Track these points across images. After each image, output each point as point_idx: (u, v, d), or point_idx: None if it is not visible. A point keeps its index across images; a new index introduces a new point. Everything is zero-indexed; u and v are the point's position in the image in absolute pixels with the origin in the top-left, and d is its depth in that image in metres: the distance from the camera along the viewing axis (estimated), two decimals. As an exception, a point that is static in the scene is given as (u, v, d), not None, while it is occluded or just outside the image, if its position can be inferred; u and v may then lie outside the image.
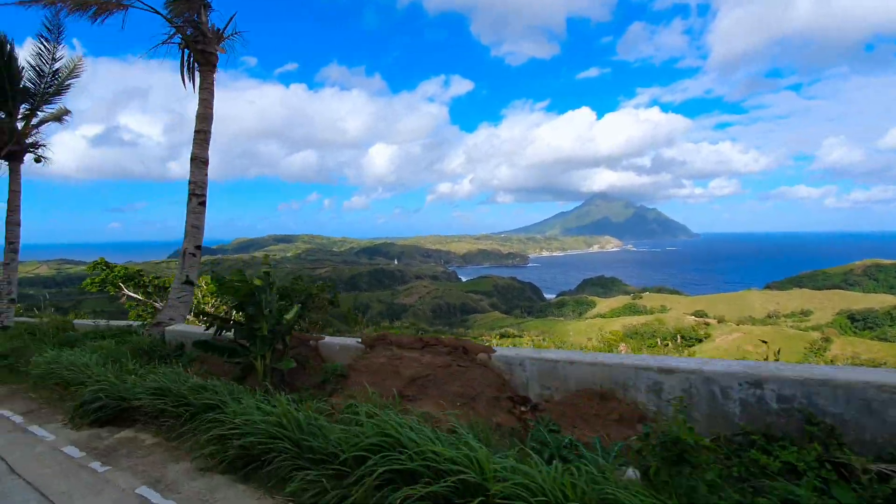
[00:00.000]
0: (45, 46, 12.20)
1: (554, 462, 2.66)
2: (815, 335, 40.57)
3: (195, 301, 9.80)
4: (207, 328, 5.57)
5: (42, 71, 12.58)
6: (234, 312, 7.33)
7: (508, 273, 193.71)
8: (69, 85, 13.34)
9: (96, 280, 12.10)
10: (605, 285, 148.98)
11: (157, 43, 8.85)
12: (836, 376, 2.94)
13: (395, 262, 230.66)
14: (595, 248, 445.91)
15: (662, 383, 3.50)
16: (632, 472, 2.63)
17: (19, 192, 12.84)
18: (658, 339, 25.60)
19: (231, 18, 9.25)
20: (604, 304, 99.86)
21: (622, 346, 15.19)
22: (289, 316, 5.29)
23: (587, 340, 21.12)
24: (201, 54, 8.91)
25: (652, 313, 79.39)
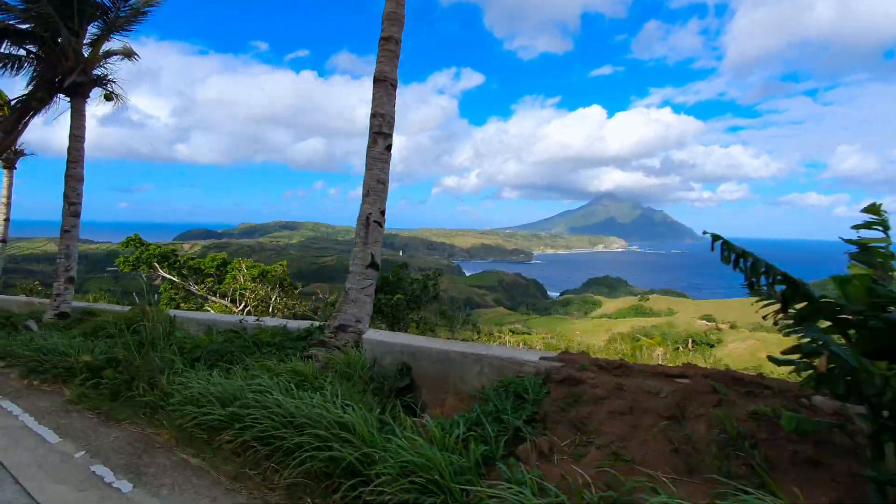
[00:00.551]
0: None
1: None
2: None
3: (237, 286, 9.46)
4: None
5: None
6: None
7: (513, 269, 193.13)
8: (147, 12, 10.67)
9: (130, 259, 11.66)
10: (611, 285, 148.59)
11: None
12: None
13: (401, 254, 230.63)
14: (600, 248, 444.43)
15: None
16: None
17: (83, 137, 10.21)
18: (679, 344, 25.14)
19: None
20: (610, 305, 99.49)
21: (659, 350, 14.82)
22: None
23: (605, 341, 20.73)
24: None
25: (659, 315, 78.97)
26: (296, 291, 11.19)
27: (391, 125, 6.22)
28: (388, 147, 6.28)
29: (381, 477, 2.64)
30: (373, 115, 6.16)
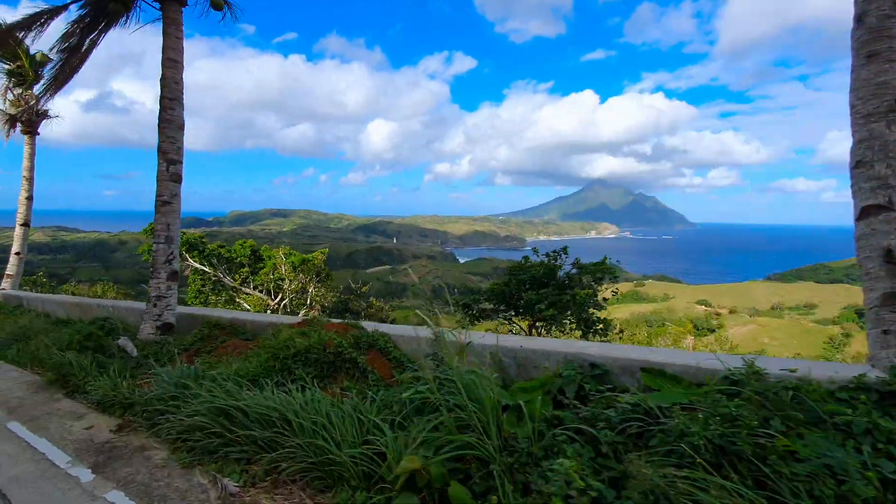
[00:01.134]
0: None
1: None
2: (836, 330, 40.69)
3: (277, 275, 8.90)
4: None
5: None
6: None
7: (506, 256, 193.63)
8: None
9: None
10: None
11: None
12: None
13: (394, 241, 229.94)
14: (593, 234, 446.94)
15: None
16: None
17: (181, 63, 7.43)
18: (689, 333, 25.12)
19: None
20: (607, 291, 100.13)
21: (689, 339, 14.68)
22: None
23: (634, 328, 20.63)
24: None
25: (656, 301, 79.67)
26: (330, 281, 10.62)
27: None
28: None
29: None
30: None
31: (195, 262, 10.80)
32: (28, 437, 3.96)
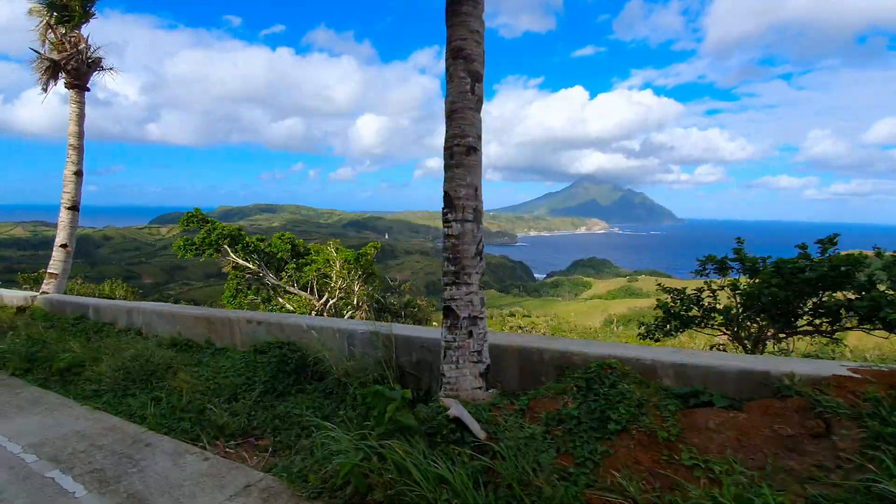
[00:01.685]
0: None
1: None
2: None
3: (328, 271, 8.46)
4: None
5: None
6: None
7: (498, 251, 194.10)
8: None
9: (196, 240, 9.70)
10: (597, 266, 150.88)
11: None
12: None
13: (386, 237, 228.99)
14: (582, 230, 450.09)
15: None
16: None
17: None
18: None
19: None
20: (600, 286, 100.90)
21: (720, 337, 14.73)
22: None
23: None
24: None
25: (650, 297, 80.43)
26: (375, 278, 10.15)
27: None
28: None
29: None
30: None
31: (238, 257, 10.11)
32: None
